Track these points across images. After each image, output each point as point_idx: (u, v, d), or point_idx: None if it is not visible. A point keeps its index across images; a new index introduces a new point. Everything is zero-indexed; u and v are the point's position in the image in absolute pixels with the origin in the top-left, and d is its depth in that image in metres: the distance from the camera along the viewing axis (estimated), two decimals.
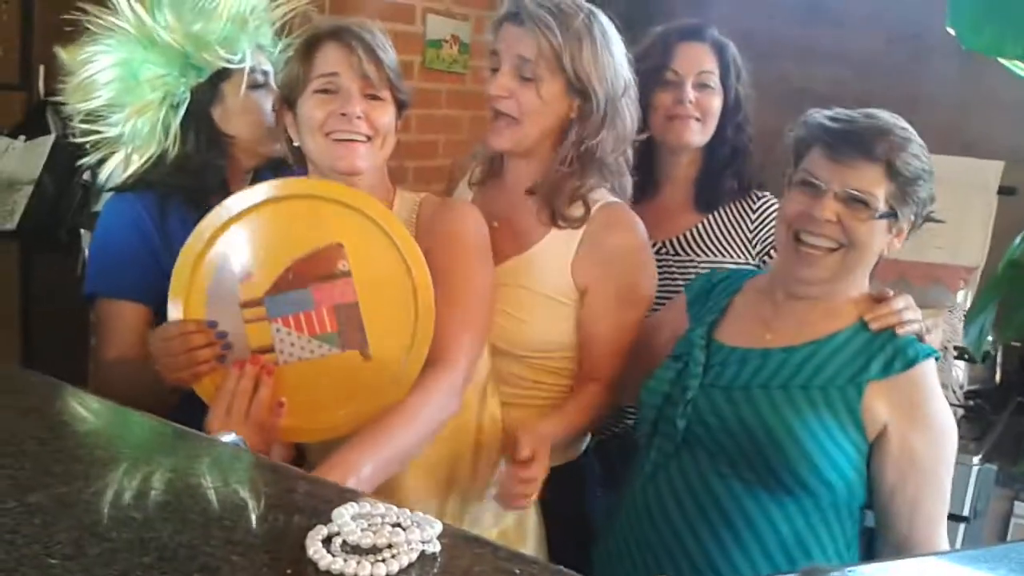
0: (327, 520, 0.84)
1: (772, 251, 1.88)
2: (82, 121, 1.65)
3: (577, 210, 1.63)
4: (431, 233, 1.52)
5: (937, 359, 1.42)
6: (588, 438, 1.83)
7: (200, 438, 1.05)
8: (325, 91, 1.47)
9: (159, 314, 1.67)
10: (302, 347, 1.43)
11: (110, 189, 1.74)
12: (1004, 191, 2.58)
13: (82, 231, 2.60)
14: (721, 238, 1.96)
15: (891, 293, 1.46)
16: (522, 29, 1.57)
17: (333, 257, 1.42)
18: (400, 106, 1.54)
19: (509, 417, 1.64)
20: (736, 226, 1.97)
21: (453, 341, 1.44)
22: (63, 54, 1.65)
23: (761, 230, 1.96)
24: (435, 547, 0.82)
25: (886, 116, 1.42)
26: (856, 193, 1.38)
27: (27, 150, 2.69)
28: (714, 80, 1.93)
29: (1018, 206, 2.61)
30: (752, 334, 1.49)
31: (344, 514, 0.84)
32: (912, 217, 1.43)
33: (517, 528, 1.63)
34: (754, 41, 2.09)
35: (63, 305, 2.27)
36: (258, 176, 1.79)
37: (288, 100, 1.53)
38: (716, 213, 1.98)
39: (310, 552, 0.79)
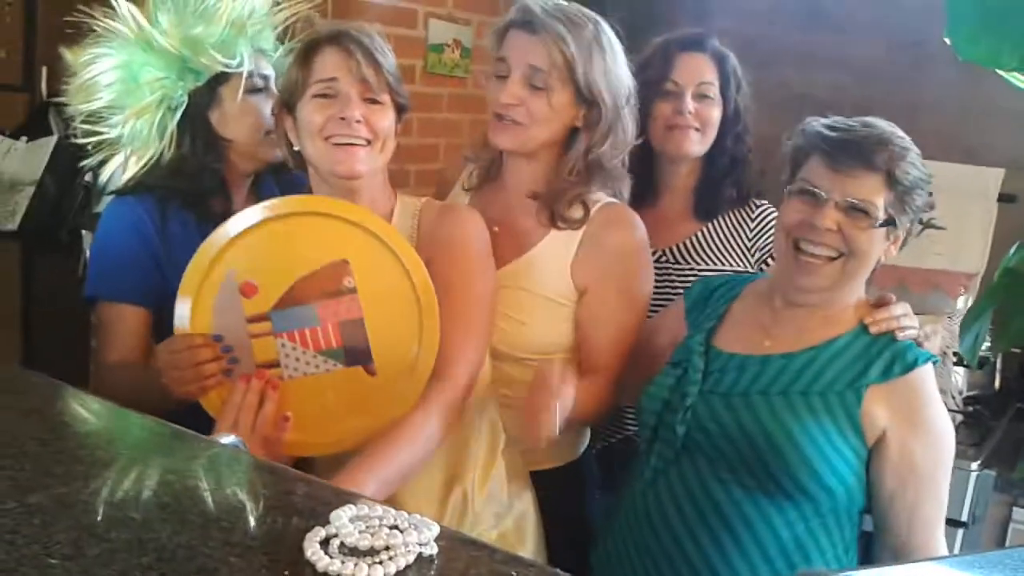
0: (325, 522, 0.84)
1: (770, 259, 1.88)
2: (83, 122, 1.66)
3: (577, 212, 1.64)
4: (433, 240, 1.52)
5: (936, 363, 1.43)
6: (587, 440, 1.84)
7: (199, 440, 1.05)
8: (324, 95, 1.47)
9: (159, 317, 1.68)
10: (307, 362, 1.44)
11: (111, 192, 1.74)
12: (1004, 198, 2.59)
13: (83, 232, 2.61)
14: (720, 246, 1.97)
15: (892, 298, 1.47)
16: (534, 38, 1.57)
17: (339, 274, 1.43)
18: (400, 110, 1.54)
19: (508, 420, 1.65)
20: (735, 234, 1.98)
21: (455, 356, 1.45)
22: (67, 55, 1.66)
23: (760, 238, 1.97)
24: (432, 549, 0.82)
25: (883, 125, 1.42)
26: (857, 202, 1.39)
27: (29, 151, 2.70)
28: (714, 91, 1.94)
29: (1018, 214, 2.61)
30: (751, 340, 1.49)
31: (342, 516, 0.85)
32: (909, 224, 1.44)
33: (516, 530, 1.63)
34: (755, 48, 2.10)
35: (64, 306, 2.27)
36: (259, 181, 1.79)
37: (288, 104, 1.53)
38: (715, 221, 1.99)
39: (308, 554, 0.79)
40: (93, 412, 1.13)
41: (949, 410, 1.57)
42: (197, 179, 1.67)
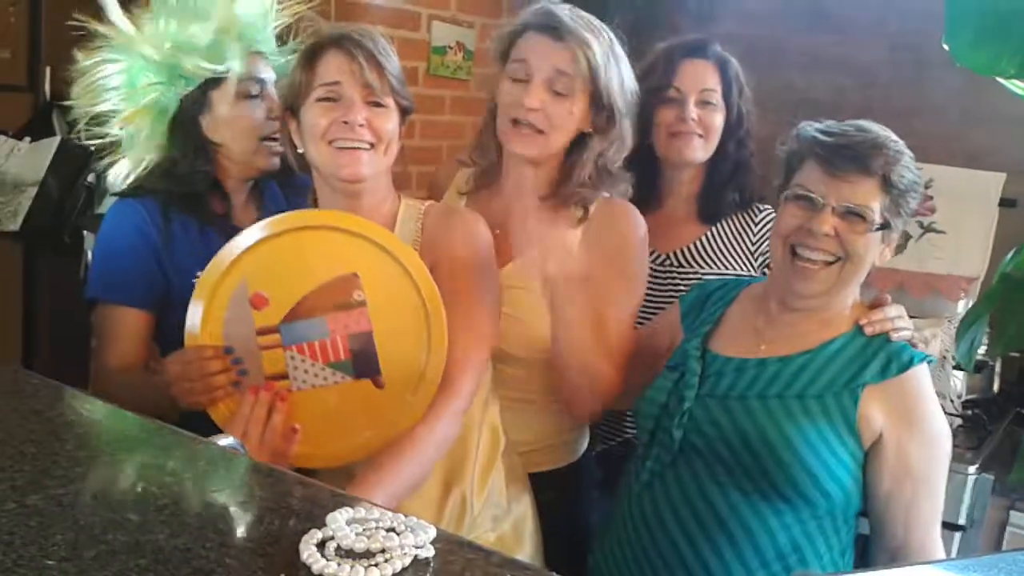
0: (321, 524, 0.84)
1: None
2: (88, 124, 1.67)
3: (578, 211, 1.65)
4: (437, 245, 1.52)
5: (931, 363, 1.43)
6: (586, 442, 1.84)
7: (197, 441, 1.05)
8: (327, 99, 1.48)
9: (160, 320, 1.68)
10: (316, 374, 1.45)
11: (114, 194, 1.75)
12: (1005, 203, 2.58)
13: (85, 233, 2.61)
14: (724, 250, 1.98)
15: (888, 299, 1.48)
16: (559, 44, 1.58)
17: (349, 287, 1.44)
18: (404, 112, 1.54)
19: (508, 422, 1.65)
20: (739, 238, 1.99)
21: (459, 365, 1.46)
22: (79, 55, 1.67)
23: (763, 242, 1.97)
24: (429, 552, 0.82)
25: (877, 128, 1.43)
26: (854, 207, 1.39)
27: (32, 151, 2.69)
28: (716, 97, 1.94)
29: (1019, 218, 2.61)
30: (746, 344, 1.50)
31: (338, 518, 0.85)
32: (903, 227, 1.44)
33: (514, 534, 1.63)
34: (757, 50, 2.10)
35: (66, 307, 2.27)
36: (262, 183, 1.79)
37: (291, 107, 1.53)
38: (719, 225, 2.00)
39: (304, 556, 0.80)
40: (92, 413, 1.13)
41: (948, 414, 1.57)
42: (187, 182, 1.68)
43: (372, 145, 1.48)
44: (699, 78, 1.94)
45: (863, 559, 1.49)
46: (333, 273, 1.44)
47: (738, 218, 2.01)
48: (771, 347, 1.47)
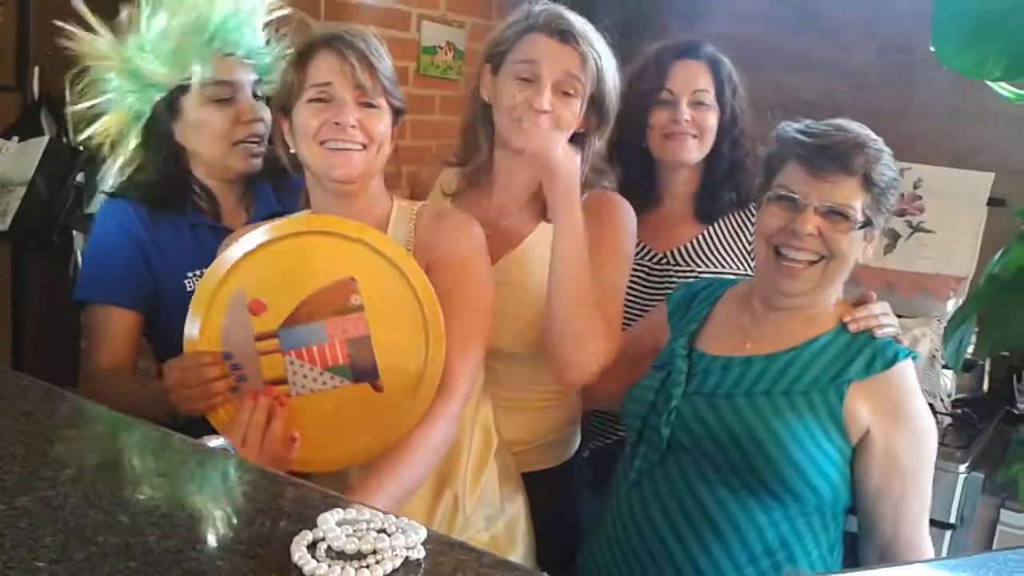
0: (312, 526, 0.84)
1: None
2: (77, 123, 1.67)
3: None
4: (431, 247, 1.52)
5: (915, 359, 1.44)
6: (578, 441, 1.84)
7: (188, 443, 1.05)
8: (319, 100, 1.47)
9: (152, 321, 1.68)
10: (314, 379, 1.45)
11: (104, 193, 1.75)
12: (993, 202, 2.60)
13: (74, 233, 2.60)
14: (721, 249, 1.98)
15: (872, 296, 1.49)
16: (567, 46, 1.59)
17: (346, 291, 1.44)
18: (396, 113, 1.53)
19: (501, 422, 1.65)
20: (735, 237, 1.99)
21: (455, 368, 1.45)
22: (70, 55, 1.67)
23: None
24: (419, 553, 0.82)
25: (856, 127, 1.44)
26: (836, 206, 1.40)
27: (20, 151, 2.68)
28: (709, 98, 1.95)
29: (1007, 218, 2.62)
30: (732, 343, 1.50)
31: (329, 520, 0.85)
32: (884, 224, 1.45)
33: (507, 534, 1.63)
34: (747, 51, 2.10)
35: (55, 307, 2.27)
36: (253, 186, 1.79)
37: (284, 108, 1.53)
38: (716, 224, 2.00)
39: (295, 558, 0.80)
40: (82, 415, 1.13)
41: (938, 413, 1.58)
42: (158, 187, 1.69)
43: (364, 146, 1.48)
44: (691, 79, 1.94)
45: (853, 558, 1.50)
46: (331, 278, 1.44)
47: (735, 217, 2.01)
48: (756, 345, 1.48)
